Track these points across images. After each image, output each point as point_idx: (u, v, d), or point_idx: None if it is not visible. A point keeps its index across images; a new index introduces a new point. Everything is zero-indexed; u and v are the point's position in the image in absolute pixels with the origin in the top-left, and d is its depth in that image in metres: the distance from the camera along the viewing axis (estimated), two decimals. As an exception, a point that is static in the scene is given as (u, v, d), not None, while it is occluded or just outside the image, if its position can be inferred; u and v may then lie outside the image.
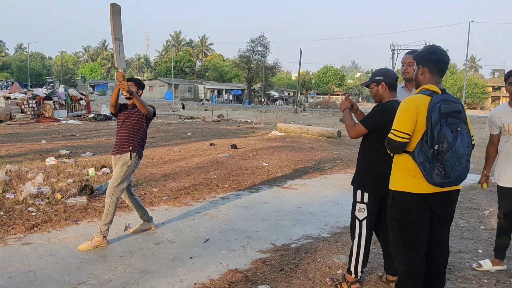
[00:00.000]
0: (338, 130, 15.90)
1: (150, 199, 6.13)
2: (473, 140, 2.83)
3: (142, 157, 4.69)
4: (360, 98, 77.45)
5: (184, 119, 27.31)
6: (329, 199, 6.62)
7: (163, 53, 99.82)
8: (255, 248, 4.41)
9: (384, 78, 3.32)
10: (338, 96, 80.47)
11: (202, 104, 54.28)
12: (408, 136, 2.67)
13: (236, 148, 11.39)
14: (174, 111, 38.12)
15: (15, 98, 21.90)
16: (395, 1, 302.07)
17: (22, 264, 3.81)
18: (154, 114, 4.69)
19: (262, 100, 65.71)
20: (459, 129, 2.65)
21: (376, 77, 3.36)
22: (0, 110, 20.88)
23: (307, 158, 10.20)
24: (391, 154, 2.88)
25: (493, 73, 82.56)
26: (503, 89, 63.74)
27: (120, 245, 4.38)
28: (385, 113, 3.17)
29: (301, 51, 49.41)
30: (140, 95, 4.66)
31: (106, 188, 6.17)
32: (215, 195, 6.55)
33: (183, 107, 37.79)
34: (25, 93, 23.27)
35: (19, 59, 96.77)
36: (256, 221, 5.36)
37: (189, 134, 15.65)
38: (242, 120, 27.89)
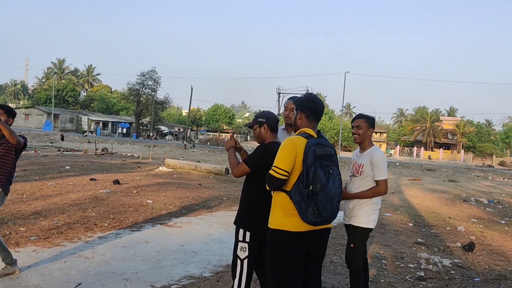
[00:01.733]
0: (226, 168, 16.10)
1: (16, 239, 5.50)
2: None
3: (8, 193, 4.23)
4: (248, 137, 79.90)
5: (63, 151, 25.42)
6: (213, 237, 6.58)
7: (43, 80, 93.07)
8: (133, 291, 4.16)
9: (266, 120, 3.48)
10: (228, 134, 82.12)
11: (85, 136, 51.26)
12: (287, 174, 2.79)
13: (119, 183, 10.87)
14: (52, 143, 35.33)
15: None
16: (281, 47, 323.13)
17: None
18: (24, 146, 4.30)
19: (151, 134, 64.28)
20: (331, 171, 2.87)
21: (259, 119, 3.50)
22: None
23: (194, 195, 10.10)
24: (271, 193, 2.99)
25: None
26: (373, 134, 71.16)
27: (-28, 294, 3.82)
28: (266, 153, 3.30)
29: (192, 88, 49.94)
30: (10, 124, 4.26)
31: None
32: (92, 235, 6.11)
33: (62, 139, 35.24)
34: None
35: None
36: (136, 261, 5.09)
37: (67, 167, 14.58)
38: (129, 154, 26.84)
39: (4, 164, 4.15)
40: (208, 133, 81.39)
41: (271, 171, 2.84)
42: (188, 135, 56.53)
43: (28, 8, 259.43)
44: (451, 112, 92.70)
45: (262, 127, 3.48)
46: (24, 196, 8.46)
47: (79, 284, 4.24)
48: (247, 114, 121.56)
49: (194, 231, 6.82)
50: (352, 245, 3.80)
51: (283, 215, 2.86)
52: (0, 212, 6.68)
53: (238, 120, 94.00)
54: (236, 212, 3.56)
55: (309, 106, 3.05)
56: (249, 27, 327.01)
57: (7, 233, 5.72)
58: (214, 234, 6.76)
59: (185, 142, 45.61)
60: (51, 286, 4.15)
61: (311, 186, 2.75)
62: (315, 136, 2.94)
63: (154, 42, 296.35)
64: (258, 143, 3.54)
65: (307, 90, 39.84)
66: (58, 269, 4.62)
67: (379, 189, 3.81)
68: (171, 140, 66.54)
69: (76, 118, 68.62)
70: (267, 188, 2.94)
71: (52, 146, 31.37)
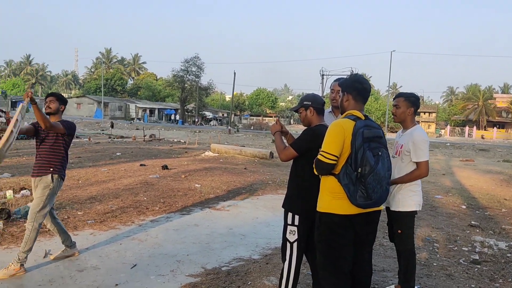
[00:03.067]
0: (271, 152, 16.16)
1: (74, 223, 5.81)
2: None
3: (64, 179, 4.45)
4: (292, 120, 79.57)
5: (114, 138, 26.40)
6: (260, 220, 6.66)
7: (92, 70, 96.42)
8: (185, 273, 4.30)
9: (312, 103, 3.45)
10: (271, 118, 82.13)
11: (131, 123, 52.85)
12: (336, 158, 2.78)
13: (168, 169, 11.18)
14: (103, 130, 36.73)
15: None
16: (324, 28, 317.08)
17: None
18: (72, 133, 4.45)
19: (196, 120, 65.35)
20: (380, 153, 2.82)
21: (304, 102, 3.47)
22: None
23: (240, 180, 10.23)
24: (319, 176, 2.98)
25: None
26: (422, 114, 68.53)
27: (39, 273, 4.09)
28: (313, 137, 3.28)
29: (235, 73, 50.13)
30: (63, 110, 4.45)
31: (25, 212, 5.80)
32: (145, 218, 6.35)
33: (112, 126, 36.54)
34: None
35: None
36: (187, 244, 5.25)
37: (118, 154, 15.14)
38: (175, 140, 27.50)
39: (56, 152, 4.32)
40: (252, 117, 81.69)
41: (319, 156, 2.83)
42: (232, 120, 57.02)
43: (76, 0, 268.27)
44: (505, 89, 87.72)
45: (308, 110, 3.45)
46: (80, 181, 8.88)
47: (135, 265, 4.43)
48: (290, 98, 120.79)
49: (241, 215, 6.93)
50: (399, 231, 3.71)
51: (332, 198, 2.85)
52: (58, 197, 7.07)
53: (281, 103, 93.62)
54: (283, 195, 3.58)
55: (356, 87, 2.99)
56: (291, 8, 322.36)
57: (66, 217, 6.04)
58: (261, 217, 6.84)
59: (229, 127, 46.07)
60: (109, 267, 4.36)
61: (359, 169, 2.72)
62: (363, 118, 2.89)
63: (197, 29, 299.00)
64: (304, 126, 3.52)
65: (352, 70, 39.01)
66: (115, 251, 4.85)
67: (419, 172, 3.66)
68: (215, 125, 67.40)
69: (124, 106, 70.80)
70: (315, 173, 2.93)
71: (103, 133, 32.64)
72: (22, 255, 4.04)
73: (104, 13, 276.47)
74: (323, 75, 44.51)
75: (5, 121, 23.68)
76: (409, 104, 3.76)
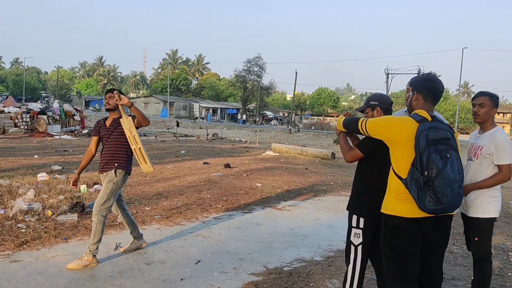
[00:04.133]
0: (332, 152, 15.93)
1: (142, 218, 6.06)
2: None
3: (130, 173, 4.62)
4: (354, 120, 77.95)
5: (179, 137, 27.27)
6: (322, 221, 6.58)
7: (159, 71, 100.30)
8: (247, 271, 4.35)
9: (379, 103, 3.35)
10: (333, 118, 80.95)
11: (194, 122, 54.29)
12: (365, 133, 2.98)
13: (230, 167, 11.36)
14: (168, 129, 38.07)
15: (9, 112, 21.81)
16: (389, 26, 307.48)
17: (9, 282, 3.73)
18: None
19: (257, 119, 65.92)
20: (448, 155, 2.67)
21: (371, 102, 3.38)
22: (-7, 123, 20.78)
23: (301, 180, 10.18)
24: (386, 178, 2.90)
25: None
26: (496, 115, 64.46)
27: (110, 264, 4.31)
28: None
29: (296, 73, 49.94)
30: (123, 108, 4.63)
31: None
32: (208, 215, 6.50)
33: (177, 125, 37.74)
34: (19, 107, 23.20)
35: (15, 73, 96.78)
36: (249, 242, 5.31)
37: (183, 152, 15.61)
38: (237, 139, 27.90)
39: (121, 147, 4.51)
40: (313, 117, 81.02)
41: (362, 119, 3.02)
42: (292, 119, 56.89)
43: (143, 3, 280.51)
44: None
45: (375, 110, 3.36)
46: (147, 178, 9.26)
47: (199, 261, 4.55)
48: (352, 97, 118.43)
49: (303, 215, 6.88)
50: (476, 239, 3.50)
51: (397, 201, 2.76)
52: (128, 192, 7.42)
53: (343, 103, 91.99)
54: (346, 197, 3.51)
55: (427, 87, 2.88)
56: (354, 6, 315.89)
57: (134, 212, 6.32)
58: (323, 218, 6.76)
59: (289, 127, 46.00)
60: (174, 261, 4.51)
61: (426, 172, 2.61)
62: (429, 119, 2.77)
63: (259, 29, 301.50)
64: (371, 127, 3.43)
65: (419, 69, 37.50)
66: (180, 246, 5.00)
67: (501, 175, 3.42)
68: (276, 124, 67.59)
69: (188, 105, 72.96)
70: (347, 127, 3.17)
71: (168, 132, 33.82)
72: (92, 247, 4.27)
73: (170, 16, 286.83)
74: (388, 74, 43.17)
75: (79, 119, 25.28)
76: (493, 104, 3.55)
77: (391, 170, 2.85)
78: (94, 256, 4.26)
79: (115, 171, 4.42)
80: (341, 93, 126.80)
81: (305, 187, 9.37)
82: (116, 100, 4.36)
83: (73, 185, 4.68)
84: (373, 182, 3.21)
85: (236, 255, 4.81)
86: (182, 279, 4.03)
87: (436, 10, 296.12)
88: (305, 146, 19.78)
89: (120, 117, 4.47)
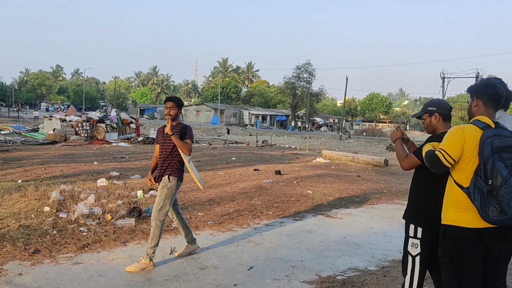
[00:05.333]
0: (385, 159, 15.53)
1: (196, 223, 6.19)
2: None
3: (182, 180, 4.77)
4: (407, 126, 75.65)
5: (229, 143, 27.65)
6: (376, 230, 6.42)
7: (210, 79, 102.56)
8: (299, 278, 4.32)
9: (437, 109, 3.24)
10: (385, 124, 79.08)
11: (245, 129, 54.81)
12: (453, 162, 2.65)
13: (280, 174, 11.36)
14: (219, 136, 38.72)
15: (70, 121, 23.07)
16: (444, 29, 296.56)
17: (72, 283, 3.93)
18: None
19: (306, 126, 65.58)
20: None
21: (429, 108, 3.28)
22: (56, 131, 22.06)
23: (353, 187, 10.00)
24: (444, 186, 2.80)
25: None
26: None
27: (166, 268, 4.43)
28: (439, 144, 3.07)
29: (347, 78, 49.21)
30: (179, 115, 4.78)
31: (153, 211, 6.33)
32: (259, 222, 6.53)
33: (228, 132, 38.33)
34: (80, 116, 24.49)
35: (75, 83, 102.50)
36: (301, 250, 5.28)
37: (233, 159, 15.80)
38: (286, 146, 27.89)
39: (173, 155, 4.67)
40: (364, 123, 79.52)
41: (437, 153, 2.70)
42: (343, 125, 56.13)
43: (195, 14, 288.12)
44: None
45: (432, 116, 3.25)
46: (200, 184, 9.45)
47: (251, 267, 4.58)
48: (405, 102, 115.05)
49: (355, 223, 6.75)
50: None
51: (457, 210, 2.66)
52: (182, 198, 7.61)
53: (395, 108, 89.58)
54: (400, 205, 3.41)
55: (487, 92, 2.77)
56: (406, 7, 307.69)
57: (188, 217, 6.47)
58: (377, 227, 6.59)
59: (340, 133, 45.37)
60: (227, 267, 4.56)
61: (490, 181, 2.51)
62: (493, 125, 2.65)
63: (308, 36, 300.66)
64: (429, 133, 3.33)
65: (477, 72, 35.84)
66: (232, 252, 5.06)
67: None
68: (326, 131, 66.95)
69: (238, 113, 73.91)
70: (427, 165, 2.80)
71: (219, 138, 34.40)
72: (149, 251, 4.42)
73: (221, 25, 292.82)
74: (444, 77, 41.55)
75: (135, 127, 26.28)
76: None
77: (450, 178, 2.75)
78: (151, 260, 4.41)
79: (168, 177, 4.58)
80: (393, 99, 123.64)
81: (357, 194, 9.20)
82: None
83: (150, 181, 4.89)
84: (431, 191, 3.10)
85: (288, 262, 4.80)
86: (235, 285, 4.08)
87: (496, 9, 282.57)
88: (356, 153, 19.43)
89: (175, 126, 4.66)
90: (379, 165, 15.05)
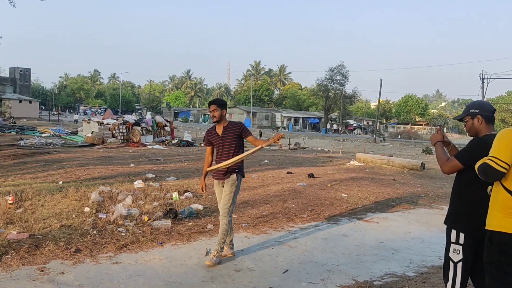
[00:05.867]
0: (422, 162, 15.16)
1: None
2: None
3: (244, 176, 5.01)
4: (445, 128, 73.62)
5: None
6: (413, 235, 6.27)
7: (242, 82, 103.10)
8: (335, 283, 4.28)
9: (480, 111, 3.15)
10: (421, 126, 77.26)
11: (276, 131, 54.72)
12: (507, 166, 2.54)
13: (314, 177, 11.28)
14: (251, 138, 38.77)
15: (107, 124, 23.72)
16: (483, 28, 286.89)
17: (112, 282, 4.03)
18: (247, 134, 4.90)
19: (340, 129, 64.84)
20: None
21: (471, 110, 3.19)
22: (94, 134, 22.73)
23: (388, 191, 9.81)
24: (487, 190, 2.72)
25: None
26: None
27: (201, 270, 4.48)
28: (482, 147, 2.97)
29: (381, 80, 48.33)
30: (225, 114, 4.85)
31: (189, 212, 6.43)
32: (293, 225, 6.50)
33: (260, 135, 38.39)
34: (117, 119, 25.13)
35: (112, 87, 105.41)
36: (336, 254, 5.22)
37: (266, 161, 15.81)
38: (319, 148, 27.67)
39: (236, 153, 4.80)
40: (399, 125, 77.94)
41: (489, 161, 2.59)
42: (377, 128, 55.14)
43: (227, 17, 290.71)
44: None
45: (475, 118, 3.16)
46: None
47: (287, 270, 4.56)
48: (442, 104, 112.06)
49: (392, 228, 6.62)
50: None
51: (504, 216, 2.57)
52: (215, 200, 7.66)
53: (432, 110, 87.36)
54: (438, 210, 3.33)
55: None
56: (441, 7, 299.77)
57: (223, 219, 6.51)
58: (414, 232, 6.44)
59: (374, 136, 44.61)
60: (262, 270, 4.57)
61: None
62: None
63: (342, 37, 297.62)
64: (471, 136, 3.23)
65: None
66: (267, 255, 5.06)
67: None
68: (359, 133, 65.96)
69: (270, 115, 73.93)
70: (483, 178, 2.68)
71: (251, 141, 34.48)
72: (219, 246, 4.66)
73: (254, 28, 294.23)
74: (483, 78, 40.20)
75: (169, 130, 26.72)
76: None
77: (497, 183, 2.66)
78: (226, 249, 4.75)
79: (236, 175, 4.78)
80: (429, 100, 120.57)
81: (393, 198, 9.01)
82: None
83: (203, 190, 5.04)
84: (474, 195, 3.01)
85: (324, 266, 4.76)
86: (270, 288, 4.07)
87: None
88: (391, 156, 19.05)
89: (227, 125, 4.85)
90: (416, 168, 14.71)
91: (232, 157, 4.75)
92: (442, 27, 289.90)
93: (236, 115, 72.83)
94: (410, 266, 4.90)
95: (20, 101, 54.56)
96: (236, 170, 4.79)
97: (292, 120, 71.70)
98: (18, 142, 21.41)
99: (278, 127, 65.09)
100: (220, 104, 4.85)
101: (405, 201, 8.80)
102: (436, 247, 5.65)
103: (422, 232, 6.44)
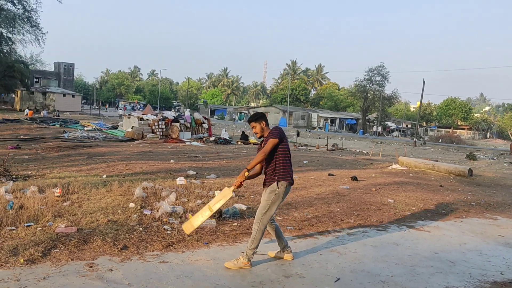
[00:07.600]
0: (470, 168, 14.50)
1: (275, 228, 6.05)
2: None
3: (292, 183, 4.71)
4: (488, 133, 70.79)
5: (299, 146, 27.39)
6: (469, 246, 5.90)
7: (279, 81, 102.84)
8: (392, 296, 4.03)
9: None
10: (463, 130, 74.75)
11: (312, 132, 54.12)
12: None
13: (357, 180, 10.96)
14: (288, 138, 38.53)
15: (147, 119, 24.05)
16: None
17: (160, 282, 3.94)
18: (280, 141, 4.59)
19: (378, 131, 63.50)
20: None
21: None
22: (134, 129, 23.09)
23: (437, 198, 9.37)
24: None
25: None
26: None
27: (250, 274, 4.33)
28: None
29: (424, 81, 46.89)
30: (265, 126, 4.70)
31: (233, 212, 6.31)
32: (340, 230, 6.26)
33: (297, 135, 38.01)
34: (156, 115, 25.45)
35: (151, 83, 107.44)
36: (389, 264, 4.95)
37: (305, 162, 15.57)
38: (357, 150, 27.11)
39: (276, 161, 4.61)
40: (439, 129, 75.61)
41: None
42: (417, 131, 53.59)
43: (265, 16, 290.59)
44: None
45: None
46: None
47: (338, 279, 4.34)
48: (486, 108, 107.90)
49: (445, 238, 6.27)
50: None
51: None
52: (258, 202, 7.51)
53: (475, 115, 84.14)
54: (492, 220, 3.04)
55: None
56: (487, 6, 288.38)
57: (267, 220, 6.35)
58: (470, 243, 6.06)
59: (414, 139, 43.36)
60: (313, 277, 4.37)
61: None
62: None
63: (382, 37, 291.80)
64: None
65: None
66: (316, 261, 4.86)
67: None
68: (398, 136, 64.42)
69: (307, 115, 73.35)
70: None
71: (288, 141, 34.22)
72: (249, 252, 4.45)
73: (291, 26, 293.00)
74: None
75: (207, 127, 26.86)
76: None
77: None
78: (249, 260, 4.43)
79: (277, 183, 4.55)
80: (473, 104, 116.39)
81: (442, 206, 8.59)
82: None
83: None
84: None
85: (377, 276, 4.51)
86: (323, 297, 3.87)
87: None
88: (437, 161, 18.37)
89: (266, 137, 4.64)
90: (463, 174, 14.07)
91: (271, 164, 4.60)
92: (487, 27, 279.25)
93: (272, 114, 72.64)
94: (471, 281, 4.57)
95: (64, 95, 56.28)
96: (276, 178, 4.57)
97: (329, 121, 70.86)
98: (62, 135, 22.06)
99: (314, 127, 64.47)
100: (256, 119, 4.70)
101: (455, 209, 8.36)
102: (495, 260, 5.29)
103: (478, 244, 6.05)
